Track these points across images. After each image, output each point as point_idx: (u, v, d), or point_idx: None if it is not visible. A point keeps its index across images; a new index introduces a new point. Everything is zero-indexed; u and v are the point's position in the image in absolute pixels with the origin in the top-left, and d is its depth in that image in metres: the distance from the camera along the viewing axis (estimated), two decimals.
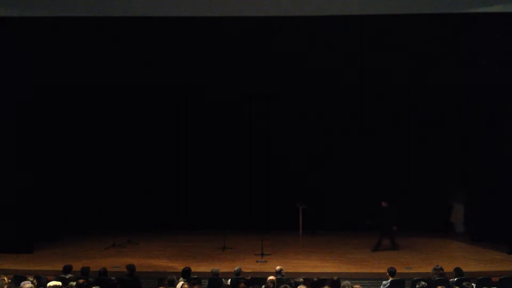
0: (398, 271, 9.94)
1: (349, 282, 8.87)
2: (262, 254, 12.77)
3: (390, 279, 9.67)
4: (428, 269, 10.48)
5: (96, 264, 11.10)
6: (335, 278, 9.04)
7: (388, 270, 9.80)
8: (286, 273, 10.10)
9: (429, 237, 14.28)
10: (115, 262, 11.72)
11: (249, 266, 11.77)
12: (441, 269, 9.82)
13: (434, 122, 14.85)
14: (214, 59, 14.63)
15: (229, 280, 9.55)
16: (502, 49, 12.83)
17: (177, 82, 15.03)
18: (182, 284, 8.79)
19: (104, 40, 14.15)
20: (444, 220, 15.17)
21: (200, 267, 11.42)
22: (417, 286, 8.49)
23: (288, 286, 8.26)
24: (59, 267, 10.42)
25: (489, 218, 13.49)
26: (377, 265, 11.91)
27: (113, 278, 9.55)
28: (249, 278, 9.41)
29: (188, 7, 12.21)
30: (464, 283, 8.53)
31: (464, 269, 9.90)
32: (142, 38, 14.16)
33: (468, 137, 14.37)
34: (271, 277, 9.09)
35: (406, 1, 12.15)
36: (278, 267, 9.98)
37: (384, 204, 13.24)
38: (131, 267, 9.97)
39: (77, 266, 10.34)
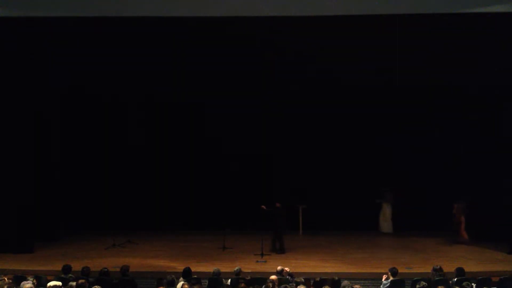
0: (398, 271, 9.92)
1: (348, 282, 8.87)
2: (262, 254, 12.77)
3: (391, 278, 9.67)
4: (428, 269, 10.47)
5: (96, 264, 11.11)
6: (336, 278, 9.03)
7: (390, 270, 9.77)
8: (286, 273, 10.09)
9: (430, 237, 14.29)
10: (115, 262, 11.70)
11: (249, 266, 11.76)
12: (441, 269, 9.82)
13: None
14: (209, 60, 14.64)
15: (229, 280, 9.56)
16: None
17: (173, 84, 15.03)
18: (182, 284, 8.78)
19: (102, 40, 14.11)
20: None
21: (200, 267, 11.41)
22: (417, 286, 8.49)
23: (288, 286, 8.26)
24: (59, 267, 10.40)
25: (489, 218, 13.54)
26: (377, 265, 11.90)
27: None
28: (249, 278, 9.41)
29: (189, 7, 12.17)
30: (464, 283, 8.53)
31: (464, 269, 9.88)
32: (140, 38, 14.11)
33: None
34: (273, 277, 9.10)
35: (406, 1, 12.14)
36: (279, 267, 9.99)
37: (278, 205, 13.21)
38: (124, 268, 9.95)
39: (77, 266, 10.34)
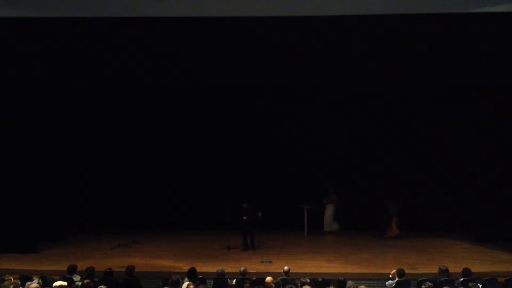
0: (405, 272, 9.88)
1: (353, 283, 8.86)
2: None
3: (396, 279, 9.64)
4: (433, 269, 10.44)
5: (101, 264, 11.11)
6: (342, 278, 9.02)
7: (397, 271, 9.75)
8: (291, 273, 10.09)
9: (435, 238, 14.26)
10: (120, 262, 11.70)
11: (254, 266, 11.75)
12: (446, 269, 9.78)
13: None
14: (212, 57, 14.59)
15: (234, 281, 9.56)
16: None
17: (177, 81, 15.03)
18: (188, 285, 8.78)
19: (104, 40, 14.07)
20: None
21: (205, 267, 11.39)
22: (422, 286, 8.47)
23: (293, 286, 8.25)
24: (64, 267, 10.42)
25: (494, 218, 13.53)
26: (382, 265, 11.87)
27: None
28: (254, 278, 9.41)
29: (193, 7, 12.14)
30: (470, 284, 8.50)
31: (470, 270, 9.85)
32: (136, 38, 14.04)
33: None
34: (268, 278, 9.09)
35: (406, 1, 12.10)
36: (286, 267, 10.00)
37: (245, 206, 13.31)
38: (129, 268, 9.97)
39: (82, 266, 10.35)
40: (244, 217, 13.24)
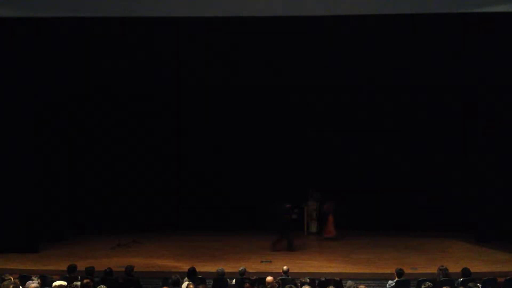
0: (404, 272, 9.89)
1: (352, 282, 8.86)
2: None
3: (396, 279, 9.65)
4: (433, 269, 10.44)
5: (101, 264, 11.11)
6: (337, 278, 9.03)
7: (396, 270, 9.76)
8: (291, 273, 10.10)
9: (435, 238, 14.26)
10: (120, 262, 11.72)
11: (254, 266, 11.75)
12: (446, 269, 9.79)
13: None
14: (215, 57, 14.59)
15: (234, 280, 9.56)
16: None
17: (180, 80, 15.04)
18: (187, 284, 8.78)
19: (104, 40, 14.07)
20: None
21: (205, 267, 11.41)
22: (422, 286, 8.46)
23: (293, 286, 8.24)
24: (65, 267, 10.41)
25: (494, 218, 13.54)
26: (382, 265, 11.88)
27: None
28: (254, 278, 9.41)
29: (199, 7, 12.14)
30: (470, 284, 8.49)
31: (470, 270, 9.85)
32: (135, 38, 14.04)
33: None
34: (269, 278, 9.09)
35: (406, 1, 12.11)
36: (285, 267, 10.00)
37: (288, 206, 13.38)
38: (128, 268, 9.97)
39: (82, 266, 10.35)
40: (294, 216, 13.43)
